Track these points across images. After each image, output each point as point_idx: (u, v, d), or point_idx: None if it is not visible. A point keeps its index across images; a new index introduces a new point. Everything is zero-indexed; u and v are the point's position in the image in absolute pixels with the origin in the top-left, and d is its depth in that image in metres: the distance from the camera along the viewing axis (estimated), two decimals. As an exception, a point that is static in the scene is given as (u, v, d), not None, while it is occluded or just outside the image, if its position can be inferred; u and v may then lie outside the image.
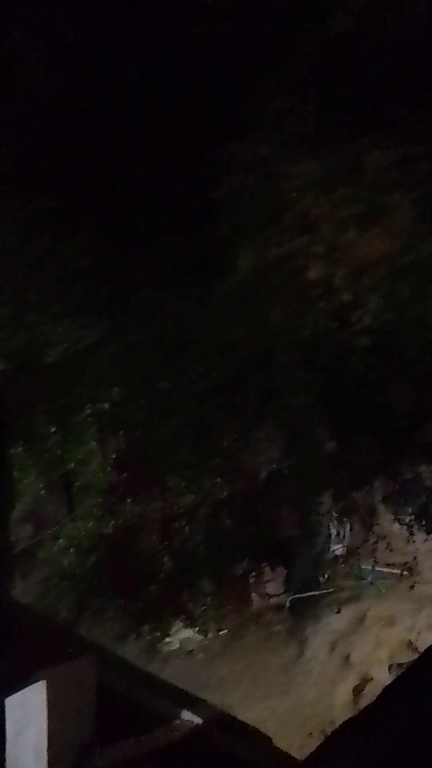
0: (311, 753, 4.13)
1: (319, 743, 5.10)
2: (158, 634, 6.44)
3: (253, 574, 6.94)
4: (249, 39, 5.55)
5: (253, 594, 7.54)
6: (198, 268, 5.41)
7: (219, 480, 6.13)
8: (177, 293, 5.32)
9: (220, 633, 8.61)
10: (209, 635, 8.45)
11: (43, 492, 7.04)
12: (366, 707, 3.69)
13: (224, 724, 4.75)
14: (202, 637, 8.58)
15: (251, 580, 7.04)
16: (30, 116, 5.31)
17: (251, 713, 5.94)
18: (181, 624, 7.27)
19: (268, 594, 8.03)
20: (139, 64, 5.50)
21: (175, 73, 5.53)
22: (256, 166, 5.33)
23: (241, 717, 5.13)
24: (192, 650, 8.93)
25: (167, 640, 7.21)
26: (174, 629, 7.16)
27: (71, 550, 6.20)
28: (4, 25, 5.15)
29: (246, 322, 5.41)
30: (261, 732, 4.79)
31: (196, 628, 7.67)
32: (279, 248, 5.32)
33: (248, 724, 4.83)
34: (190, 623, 7.23)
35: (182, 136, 5.48)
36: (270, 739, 4.76)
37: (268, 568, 7.20)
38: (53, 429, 5.99)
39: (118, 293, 5.47)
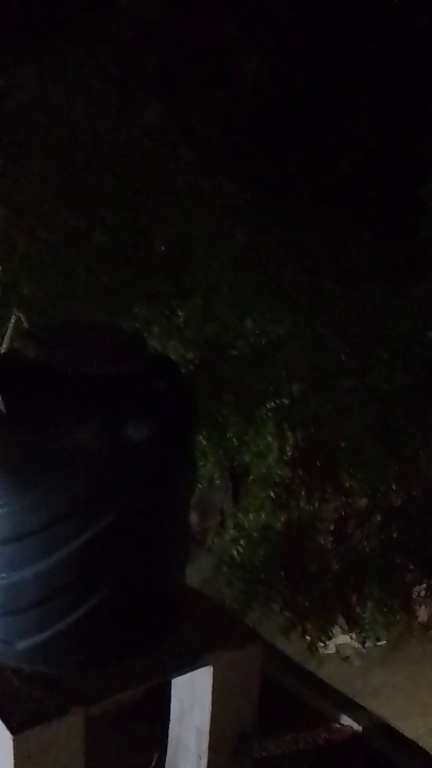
0: None
1: None
2: (320, 634, 6.36)
3: (422, 585, 6.71)
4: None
5: (419, 606, 7.31)
6: (398, 264, 5.27)
7: (395, 486, 5.97)
8: (374, 289, 5.20)
9: (378, 643, 8.41)
10: (367, 644, 8.27)
11: (218, 481, 7.13)
12: None
13: (385, 733, 4.59)
14: (359, 645, 8.42)
15: (419, 593, 6.81)
16: (237, 108, 5.35)
17: (406, 727, 5.74)
18: (339, 629, 7.15)
19: (434, 608, 7.75)
20: (354, 55, 5.41)
21: (392, 64, 5.40)
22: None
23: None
24: (348, 656, 8.78)
25: (325, 642, 7.11)
26: (333, 632, 7.05)
27: (241, 540, 6.23)
28: (219, 19, 5.21)
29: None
30: (421, 747, 4.60)
31: (354, 635, 7.52)
32: None
33: (409, 738, 4.65)
34: (350, 629, 7.09)
35: (393, 127, 5.35)
36: (430, 755, 4.57)
37: (437, 582, 6.95)
38: (234, 420, 6.04)
39: (312, 287, 5.42)
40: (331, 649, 8.40)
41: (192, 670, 3.67)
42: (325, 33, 5.33)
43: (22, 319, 5.32)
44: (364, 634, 7.27)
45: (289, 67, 5.41)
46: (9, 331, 5.49)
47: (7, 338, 5.49)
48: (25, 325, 5.24)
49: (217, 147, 5.42)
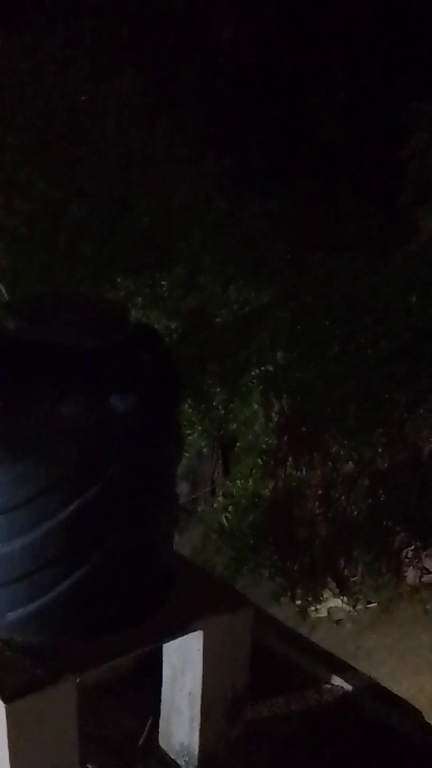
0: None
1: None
2: (310, 599, 6.42)
3: (410, 548, 6.79)
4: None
5: (408, 569, 7.39)
6: (379, 230, 5.27)
7: (380, 450, 6.00)
8: (356, 257, 5.20)
9: (369, 606, 8.51)
10: (358, 607, 8.37)
11: (205, 450, 7.16)
12: None
13: (376, 693, 4.66)
14: (351, 609, 8.51)
15: (407, 555, 6.89)
16: (215, 75, 5.31)
17: (399, 688, 5.84)
18: (331, 593, 7.22)
19: (423, 570, 7.85)
20: (332, 21, 5.36)
21: (370, 29, 5.36)
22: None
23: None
24: (340, 620, 8.88)
25: (317, 606, 7.18)
26: (324, 596, 7.12)
27: (229, 508, 6.27)
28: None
29: (422, 288, 5.21)
30: (412, 706, 4.67)
31: (346, 599, 7.60)
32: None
33: (400, 697, 4.72)
34: (341, 592, 7.16)
35: (369, 94, 5.32)
36: (421, 713, 4.64)
37: (425, 544, 7.02)
38: (219, 389, 6.05)
39: (294, 256, 5.42)
40: (323, 612, 8.49)
41: (182, 635, 3.71)
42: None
43: (3, 291, 5.29)
44: (354, 598, 7.34)
45: (266, 35, 5.36)
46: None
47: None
48: (5, 297, 5.22)
49: (195, 114, 5.38)
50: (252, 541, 6.02)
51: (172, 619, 3.67)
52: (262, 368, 5.97)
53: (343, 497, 6.15)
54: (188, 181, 5.29)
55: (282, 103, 5.51)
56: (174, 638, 3.75)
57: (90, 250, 5.19)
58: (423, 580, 8.42)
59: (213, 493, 8.27)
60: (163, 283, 5.86)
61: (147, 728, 4.10)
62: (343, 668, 4.82)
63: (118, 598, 3.54)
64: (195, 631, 3.71)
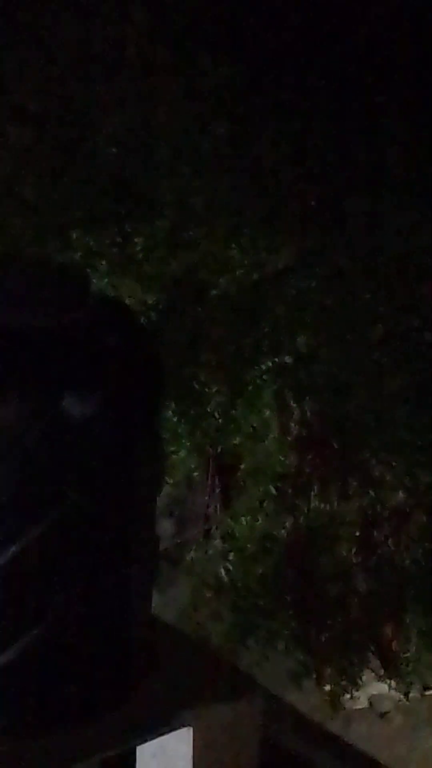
0: None
1: None
2: (343, 682, 6.45)
3: None
4: None
5: None
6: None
7: (442, 474, 6.03)
8: (406, 202, 5.20)
9: (427, 693, 8.55)
10: (411, 694, 8.39)
11: (196, 474, 7.16)
12: None
13: None
14: (402, 696, 8.53)
15: None
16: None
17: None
18: (373, 674, 7.25)
19: None
20: None
21: None
22: None
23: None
24: (387, 712, 8.92)
25: (354, 693, 7.21)
26: (364, 679, 7.15)
27: (230, 555, 6.29)
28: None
29: None
30: None
31: (394, 682, 7.62)
32: None
33: None
34: (387, 674, 7.19)
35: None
36: None
37: None
38: (216, 388, 6.06)
39: (321, 200, 5.43)
40: (363, 702, 8.52)
41: (164, 733, 3.73)
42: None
43: None
44: (406, 682, 7.37)
45: None
46: None
47: None
48: None
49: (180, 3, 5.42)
50: (262, 602, 6.05)
51: (149, 711, 3.69)
52: (277, 359, 5.98)
53: (390, 539, 6.16)
54: (173, 96, 5.30)
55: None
56: (152, 738, 3.77)
57: (33, 194, 5.19)
58: None
59: (208, 534, 8.29)
60: (137, 239, 5.87)
61: None
62: (386, 777, 4.85)
63: (72, 681, 3.55)
64: (182, 727, 3.73)
